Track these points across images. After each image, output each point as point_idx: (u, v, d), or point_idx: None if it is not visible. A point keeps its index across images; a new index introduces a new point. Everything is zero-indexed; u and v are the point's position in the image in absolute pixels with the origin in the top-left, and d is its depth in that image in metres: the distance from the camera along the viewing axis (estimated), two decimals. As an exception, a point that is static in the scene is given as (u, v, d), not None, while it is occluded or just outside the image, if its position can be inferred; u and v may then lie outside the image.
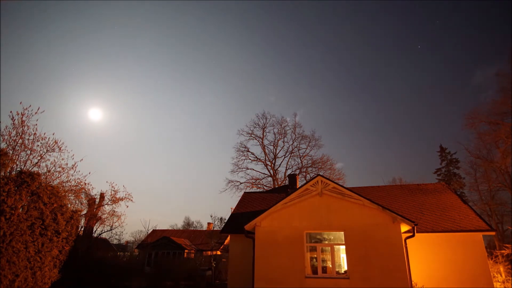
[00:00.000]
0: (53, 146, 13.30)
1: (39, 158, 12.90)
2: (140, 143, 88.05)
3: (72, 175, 14.11)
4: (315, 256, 11.32)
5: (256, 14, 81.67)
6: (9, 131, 12.01)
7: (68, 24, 74.32)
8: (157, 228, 33.91)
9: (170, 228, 44.02)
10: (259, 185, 35.81)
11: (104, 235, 20.02)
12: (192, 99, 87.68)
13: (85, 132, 76.85)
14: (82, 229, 16.49)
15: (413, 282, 11.19)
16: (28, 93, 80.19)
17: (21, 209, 10.45)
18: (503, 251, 14.81)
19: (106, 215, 17.66)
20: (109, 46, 77.53)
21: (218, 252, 29.13)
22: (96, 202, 17.49)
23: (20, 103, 12.93)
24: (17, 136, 12.16)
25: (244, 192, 20.42)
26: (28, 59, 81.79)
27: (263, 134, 38.31)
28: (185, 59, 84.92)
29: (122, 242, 33.00)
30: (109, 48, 78.00)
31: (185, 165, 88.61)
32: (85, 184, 14.95)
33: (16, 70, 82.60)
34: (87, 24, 74.98)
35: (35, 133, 12.66)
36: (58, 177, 13.64)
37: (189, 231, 38.26)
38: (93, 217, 17.26)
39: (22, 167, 12.21)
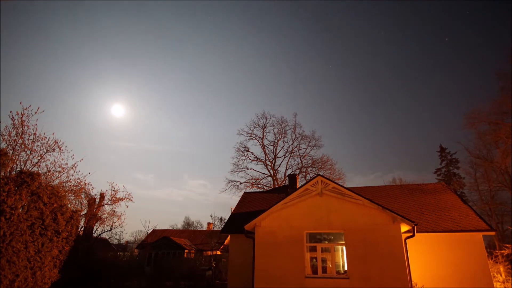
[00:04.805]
0: (53, 146, 13.33)
1: (39, 158, 12.92)
2: (140, 143, 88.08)
3: (72, 175, 14.15)
4: (315, 256, 11.31)
5: (257, 14, 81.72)
6: (9, 131, 12.03)
7: (92, 23, 74.39)
8: (157, 228, 33.81)
9: (170, 228, 43.97)
10: (259, 185, 35.79)
11: (104, 235, 20.04)
12: (194, 99, 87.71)
13: (85, 133, 76.90)
14: (82, 229, 16.48)
15: (413, 282, 11.17)
16: (39, 92, 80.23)
17: (21, 209, 10.45)
18: (503, 251, 14.80)
19: (106, 215, 17.67)
20: (124, 46, 77.56)
21: (218, 252, 29.11)
22: (96, 202, 17.49)
23: (20, 103, 12.95)
24: (17, 136, 12.17)
25: (244, 192, 20.42)
26: (42, 59, 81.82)
27: (263, 134, 38.29)
28: (188, 61, 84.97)
29: (122, 242, 33.05)
30: (119, 49, 78.04)
31: (185, 164, 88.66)
32: (85, 184, 14.99)
33: (22, 70, 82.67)
34: (108, 23, 75.04)
35: (35, 133, 12.69)
36: (58, 177, 13.68)
37: (189, 231, 38.21)
38: (93, 217, 17.25)
39: (22, 167, 12.21)
